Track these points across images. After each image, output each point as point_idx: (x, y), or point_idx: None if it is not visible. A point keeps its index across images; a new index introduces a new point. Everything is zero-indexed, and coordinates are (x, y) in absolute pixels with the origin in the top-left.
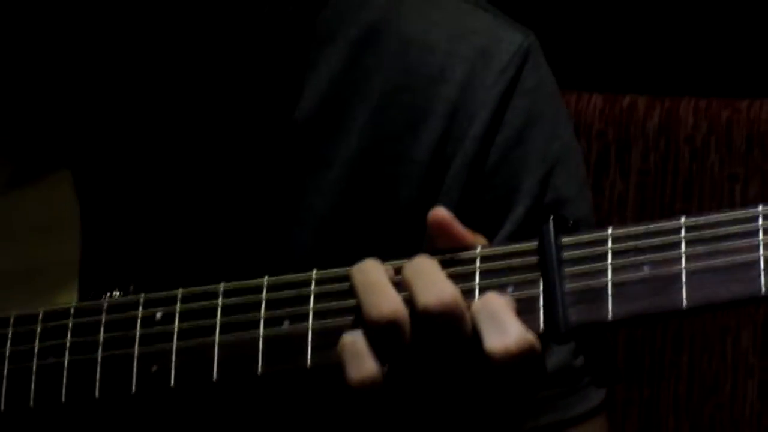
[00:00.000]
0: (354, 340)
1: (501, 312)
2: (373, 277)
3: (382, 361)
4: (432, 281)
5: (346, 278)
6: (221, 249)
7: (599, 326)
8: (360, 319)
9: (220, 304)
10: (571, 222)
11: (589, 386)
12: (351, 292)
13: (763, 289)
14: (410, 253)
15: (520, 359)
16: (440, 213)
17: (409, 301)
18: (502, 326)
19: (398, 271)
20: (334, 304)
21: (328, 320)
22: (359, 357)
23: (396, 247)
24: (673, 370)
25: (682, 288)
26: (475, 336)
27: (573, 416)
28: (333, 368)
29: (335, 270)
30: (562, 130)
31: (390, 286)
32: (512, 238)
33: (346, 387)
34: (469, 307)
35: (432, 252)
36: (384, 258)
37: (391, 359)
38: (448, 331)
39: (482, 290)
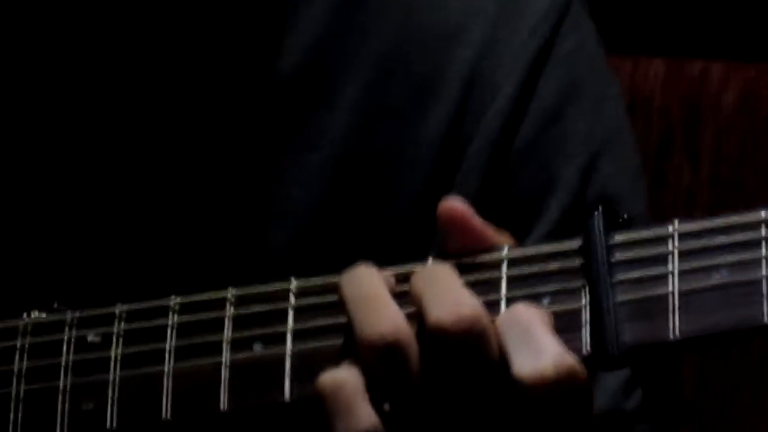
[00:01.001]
0: (338, 383)
1: (533, 327)
2: (367, 289)
3: (380, 401)
4: (447, 291)
5: (335, 289)
6: (175, 253)
7: (660, 348)
8: (351, 343)
9: (172, 323)
10: (625, 215)
11: None
12: (340, 307)
13: None
14: (414, 260)
15: (558, 389)
16: (454, 204)
17: (417, 319)
18: (534, 345)
19: (401, 280)
20: (318, 323)
21: (312, 343)
22: (349, 404)
23: (397, 252)
24: (755, 411)
25: (765, 298)
26: (501, 360)
27: None
28: (318, 403)
29: (320, 279)
30: (610, 107)
31: (390, 299)
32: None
33: None
34: (493, 322)
35: (444, 255)
36: (382, 265)
37: (392, 396)
38: (467, 355)
39: (510, 302)
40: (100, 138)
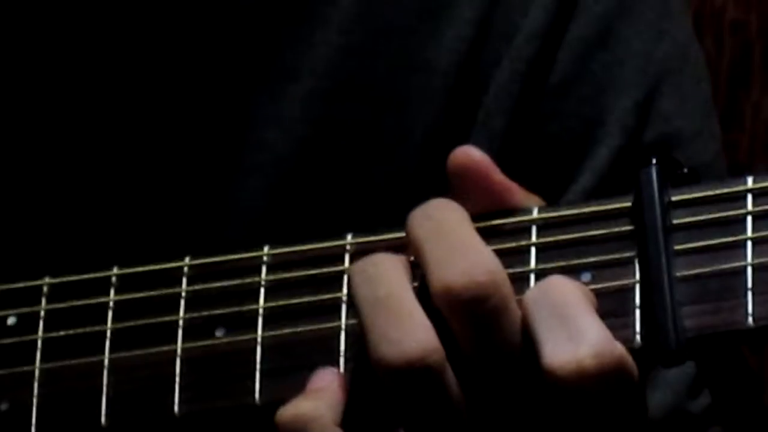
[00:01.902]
0: (300, 418)
1: (570, 306)
2: (386, 289)
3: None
4: (459, 245)
5: (320, 261)
6: (123, 211)
7: (732, 337)
8: (362, 357)
9: (112, 301)
10: (687, 168)
11: None
12: (330, 282)
13: None
14: None
15: (600, 384)
16: (468, 153)
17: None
18: (571, 328)
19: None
20: (297, 302)
21: (289, 328)
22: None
23: (400, 211)
24: None
25: None
26: (526, 345)
27: None
28: None
29: (300, 248)
30: (674, 26)
31: (416, 305)
32: (591, 197)
33: None
34: (520, 300)
35: None
36: (382, 227)
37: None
38: (481, 334)
39: (540, 277)
40: (46, 81)
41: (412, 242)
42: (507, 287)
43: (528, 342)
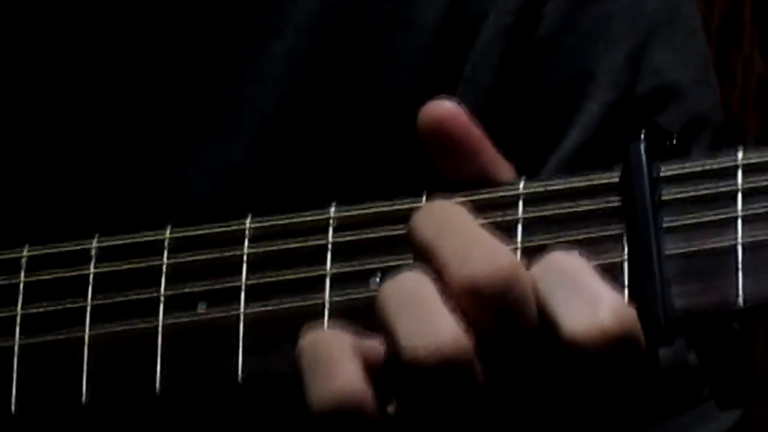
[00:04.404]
0: (318, 338)
1: (579, 274)
2: (412, 288)
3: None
4: (474, 238)
5: (303, 233)
6: (105, 173)
7: (723, 317)
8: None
9: (92, 273)
10: (676, 137)
11: (711, 400)
12: (314, 255)
13: None
14: (401, 180)
15: (620, 347)
16: (442, 107)
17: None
18: (586, 295)
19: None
20: (282, 276)
21: (273, 303)
22: (327, 359)
23: (384, 172)
24: None
25: None
26: (543, 323)
27: None
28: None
29: (283, 218)
30: None
31: (441, 303)
32: (580, 159)
33: (309, 410)
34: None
35: (435, 188)
36: (364, 193)
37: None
38: (504, 322)
39: (526, 252)
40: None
41: (420, 244)
42: (526, 273)
43: (543, 319)
